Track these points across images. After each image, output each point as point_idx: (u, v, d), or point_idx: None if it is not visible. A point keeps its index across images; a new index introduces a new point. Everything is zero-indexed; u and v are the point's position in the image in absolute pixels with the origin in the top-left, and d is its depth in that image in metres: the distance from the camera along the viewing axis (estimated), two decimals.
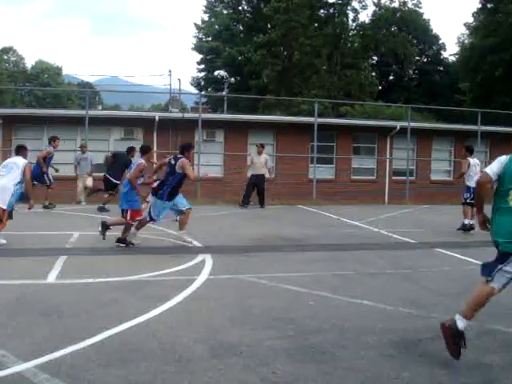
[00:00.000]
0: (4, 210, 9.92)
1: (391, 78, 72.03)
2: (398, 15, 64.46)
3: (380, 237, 12.45)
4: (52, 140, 16.89)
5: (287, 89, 48.14)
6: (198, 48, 62.71)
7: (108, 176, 16.29)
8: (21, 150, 10.97)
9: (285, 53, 51.81)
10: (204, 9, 63.01)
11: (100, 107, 49.65)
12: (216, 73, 54.23)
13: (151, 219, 10.40)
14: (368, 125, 25.08)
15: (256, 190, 18.60)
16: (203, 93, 56.09)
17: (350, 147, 23.75)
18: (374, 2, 58.13)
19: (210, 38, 62.54)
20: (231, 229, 13.28)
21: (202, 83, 64.04)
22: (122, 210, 10.34)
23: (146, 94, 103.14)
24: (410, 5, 64.36)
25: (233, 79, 61.35)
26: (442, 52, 77.08)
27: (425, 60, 76.08)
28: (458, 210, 18.58)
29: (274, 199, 19.92)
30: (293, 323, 5.77)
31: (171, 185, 10.09)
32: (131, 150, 15.70)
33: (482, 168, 12.95)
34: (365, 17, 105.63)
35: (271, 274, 8.12)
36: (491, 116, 27.12)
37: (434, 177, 25.35)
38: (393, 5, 60.98)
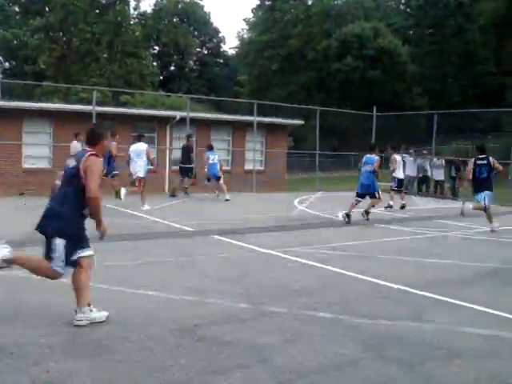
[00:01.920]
0: (141, 178, 15.71)
1: (172, 68, 72.67)
2: (179, 6, 65.12)
3: (160, 226, 12.47)
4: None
5: (66, 76, 46.59)
6: None
7: (183, 165, 19.81)
8: (141, 138, 16.49)
9: (64, 38, 50.05)
10: None
11: None
12: None
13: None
14: (148, 114, 24.97)
15: None
16: None
17: (129, 136, 23.50)
18: None
19: None
20: (7, 220, 12.43)
21: None
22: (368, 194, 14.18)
23: None
24: None
25: (7, 64, 58.03)
26: (222, 45, 79.37)
27: (205, 52, 77.81)
28: (238, 197, 19.32)
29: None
30: (71, 318, 5.54)
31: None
32: (190, 136, 20.71)
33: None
34: (147, 6, 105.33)
35: None
36: (267, 107, 28.35)
37: None
38: None
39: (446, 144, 41.56)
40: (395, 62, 52.55)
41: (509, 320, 6.04)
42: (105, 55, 49.37)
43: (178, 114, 24.18)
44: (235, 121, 26.49)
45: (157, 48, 68.89)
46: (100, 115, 20.90)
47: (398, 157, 18.87)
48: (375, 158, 14.23)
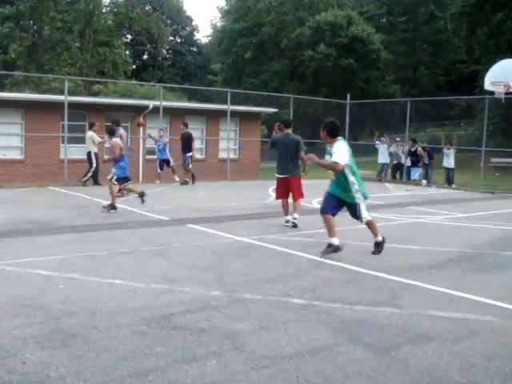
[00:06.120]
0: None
1: (145, 57, 72.23)
2: None
3: (132, 215, 12.40)
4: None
5: (37, 65, 45.98)
6: None
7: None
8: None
9: (34, 27, 49.37)
10: None
11: None
12: None
13: None
14: (121, 104, 24.81)
15: None
16: None
17: (103, 126, 23.33)
18: None
19: None
20: None
21: None
22: None
23: None
24: None
25: None
26: (195, 33, 79.05)
27: (178, 41, 77.37)
28: (212, 186, 19.28)
29: (24, 181, 19.10)
30: (42, 309, 5.52)
31: None
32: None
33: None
34: None
35: (19, 259, 7.67)
36: (241, 96, 28.35)
37: None
38: None
39: (419, 131, 41.92)
40: (368, 49, 52.68)
41: (478, 303, 6.13)
42: (77, 44, 48.80)
43: (152, 104, 24.05)
44: (209, 109, 26.46)
45: (129, 37, 68.31)
46: (72, 105, 20.71)
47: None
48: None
